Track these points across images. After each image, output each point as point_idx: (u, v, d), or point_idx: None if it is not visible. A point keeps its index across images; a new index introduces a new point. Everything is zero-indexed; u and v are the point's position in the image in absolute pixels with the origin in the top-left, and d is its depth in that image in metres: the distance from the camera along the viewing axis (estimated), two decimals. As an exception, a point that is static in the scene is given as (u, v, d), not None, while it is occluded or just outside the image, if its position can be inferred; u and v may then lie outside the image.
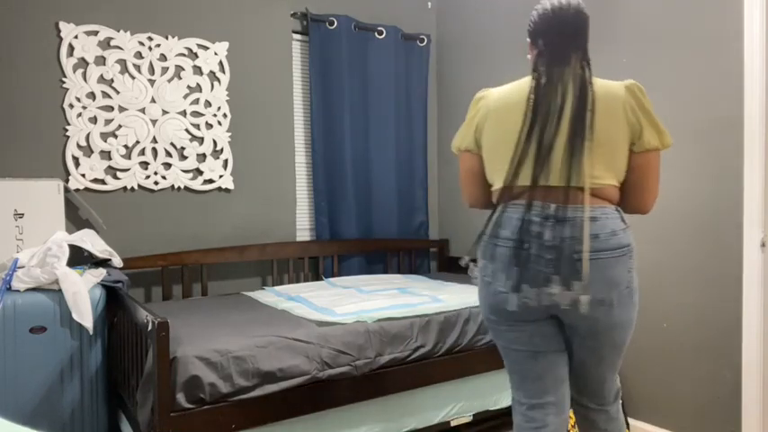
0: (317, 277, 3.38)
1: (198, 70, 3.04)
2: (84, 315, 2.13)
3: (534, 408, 1.55)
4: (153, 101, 2.92)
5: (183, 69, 3.00)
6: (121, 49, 2.84)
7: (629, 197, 1.58)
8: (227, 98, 3.12)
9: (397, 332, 2.30)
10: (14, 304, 2.09)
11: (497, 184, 1.57)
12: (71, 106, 2.73)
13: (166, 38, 2.95)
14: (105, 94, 2.81)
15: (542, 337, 1.54)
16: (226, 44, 3.11)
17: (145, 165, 2.91)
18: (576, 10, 1.54)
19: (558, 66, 1.50)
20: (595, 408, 1.63)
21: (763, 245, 2.20)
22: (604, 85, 1.52)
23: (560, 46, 1.52)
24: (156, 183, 2.93)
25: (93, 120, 2.78)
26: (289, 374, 2.04)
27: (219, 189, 3.12)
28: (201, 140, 3.05)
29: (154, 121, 2.92)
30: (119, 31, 2.83)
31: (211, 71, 3.08)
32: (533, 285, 1.45)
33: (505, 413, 2.64)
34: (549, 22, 1.53)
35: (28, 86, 2.65)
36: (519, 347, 1.56)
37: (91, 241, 2.43)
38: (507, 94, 1.57)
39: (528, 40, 1.60)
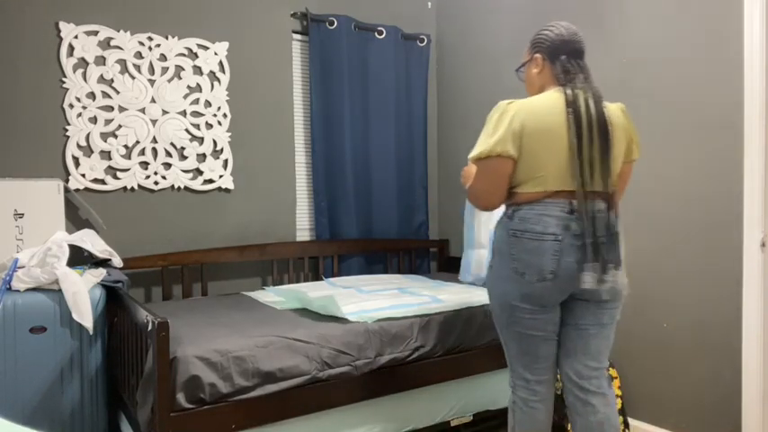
0: (316, 277, 3.38)
1: (198, 70, 3.04)
2: (84, 315, 2.13)
3: (540, 383, 1.83)
4: (153, 101, 2.92)
5: (183, 69, 3.00)
6: (121, 49, 2.84)
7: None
8: (227, 98, 3.12)
9: (397, 332, 2.29)
10: (14, 304, 2.09)
11: (532, 188, 1.73)
12: (71, 106, 2.73)
13: (166, 38, 2.95)
14: (105, 94, 2.81)
15: (553, 325, 1.80)
16: (226, 44, 3.11)
17: (145, 165, 2.91)
18: (582, 38, 1.81)
19: (580, 83, 1.74)
20: (595, 390, 1.81)
21: (763, 245, 2.20)
22: (608, 106, 1.77)
23: (578, 66, 1.77)
24: (156, 183, 2.93)
25: (93, 120, 2.78)
26: (289, 374, 2.04)
27: (219, 189, 3.12)
28: (201, 140, 3.05)
29: (154, 121, 2.92)
30: (119, 31, 2.83)
31: (211, 71, 3.08)
32: (577, 271, 1.68)
33: (506, 413, 2.64)
34: (568, 44, 1.78)
35: (28, 86, 2.65)
36: (536, 333, 1.78)
37: (91, 241, 2.43)
38: (542, 107, 1.72)
39: (537, 54, 1.82)
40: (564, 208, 1.70)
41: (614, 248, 1.71)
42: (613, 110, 1.78)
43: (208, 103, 3.07)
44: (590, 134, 1.69)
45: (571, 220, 1.68)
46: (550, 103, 1.73)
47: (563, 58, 1.77)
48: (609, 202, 1.73)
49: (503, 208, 1.85)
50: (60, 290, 2.13)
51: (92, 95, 2.78)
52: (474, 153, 1.77)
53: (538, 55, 1.82)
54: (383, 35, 3.55)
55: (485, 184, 1.79)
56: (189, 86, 3.01)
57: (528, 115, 1.70)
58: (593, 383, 1.81)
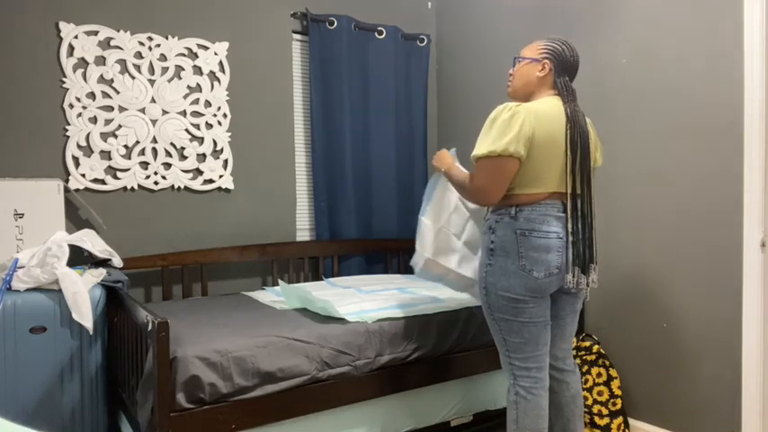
0: (316, 277, 3.38)
1: (198, 70, 3.04)
2: (84, 315, 2.13)
3: (540, 369, 1.94)
4: (153, 101, 2.92)
5: (183, 69, 3.00)
6: (121, 49, 2.84)
7: None
8: (227, 98, 3.12)
9: (397, 332, 2.30)
10: (14, 304, 2.09)
11: (533, 189, 1.86)
12: (71, 106, 2.73)
13: (166, 38, 2.95)
14: (105, 94, 2.81)
15: (549, 310, 1.95)
16: (226, 44, 3.11)
17: (145, 165, 2.91)
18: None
19: (574, 101, 1.93)
20: (570, 369, 2.08)
21: (763, 245, 2.20)
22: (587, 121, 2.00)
23: (571, 86, 1.96)
24: (156, 183, 2.93)
25: (93, 120, 2.78)
26: (289, 374, 2.04)
27: (219, 189, 3.12)
28: (201, 140, 3.05)
29: (154, 121, 2.92)
30: (119, 31, 2.83)
31: (211, 71, 3.08)
32: (573, 265, 1.87)
33: (505, 413, 2.64)
34: (574, 67, 1.96)
35: (28, 86, 2.65)
36: (538, 320, 1.91)
37: (91, 241, 2.43)
38: (547, 114, 1.85)
39: (547, 61, 1.93)
40: (560, 209, 1.88)
41: (594, 246, 1.93)
42: (589, 124, 1.99)
43: (208, 103, 3.07)
44: (579, 145, 1.88)
45: (567, 220, 1.87)
46: (553, 111, 1.87)
47: (566, 77, 1.95)
48: (589, 205, 1.92)
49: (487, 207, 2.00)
50: (60, 290, 2.14)
51: (92, 95, 2.78)
52: (483, 151, 1.81)
53: (548, 62, 1.94)
54: (383, 35, 3.55)
55: (489, 181, 1.85)
56: (189, 86, 3.01)
57: (537, 122, 1.81)
58: (567, 363, 2.08)
